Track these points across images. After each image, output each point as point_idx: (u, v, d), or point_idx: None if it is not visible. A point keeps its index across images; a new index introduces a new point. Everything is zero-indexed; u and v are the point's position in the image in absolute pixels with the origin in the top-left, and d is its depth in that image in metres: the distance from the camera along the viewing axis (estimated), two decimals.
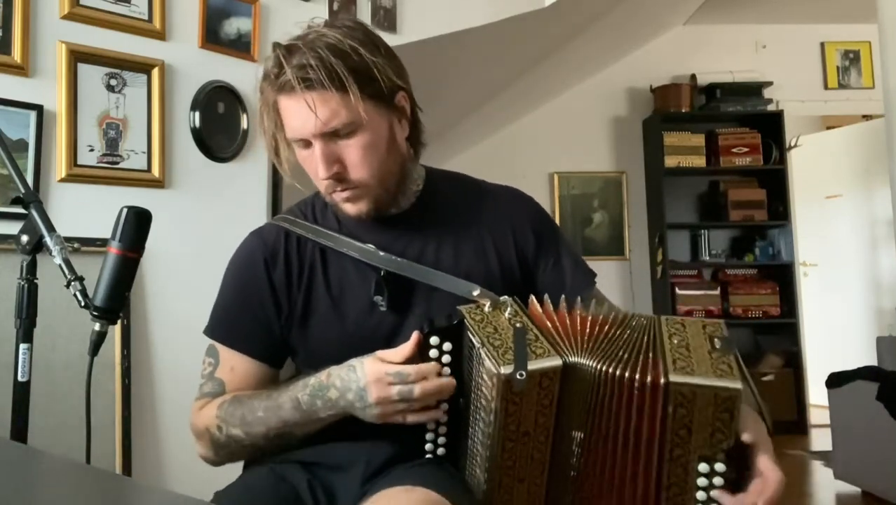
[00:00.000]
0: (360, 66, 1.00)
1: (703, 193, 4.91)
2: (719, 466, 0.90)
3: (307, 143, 1.04)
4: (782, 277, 4.70)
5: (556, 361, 0.91)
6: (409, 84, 1.10)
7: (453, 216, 1.15)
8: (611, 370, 0.91)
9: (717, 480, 0.90)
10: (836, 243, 5.20)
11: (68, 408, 1.80)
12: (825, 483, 3.46)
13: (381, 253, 1.08)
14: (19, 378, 1.10)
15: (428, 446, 1.02)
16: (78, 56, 1.97)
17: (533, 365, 0.90)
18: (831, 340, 5.03)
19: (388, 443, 1.04)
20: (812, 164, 5.19)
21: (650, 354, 0.92)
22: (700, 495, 0.91)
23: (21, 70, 1.88)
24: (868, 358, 3.61)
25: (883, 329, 4.71)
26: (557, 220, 4.84)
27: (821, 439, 4.14)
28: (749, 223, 4.75)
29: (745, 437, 0.90)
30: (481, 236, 1.14)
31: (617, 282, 4.84)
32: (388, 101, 1.05)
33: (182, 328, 2.07)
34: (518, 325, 0.95)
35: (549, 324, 0.97)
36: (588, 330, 0.96)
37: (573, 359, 0.92)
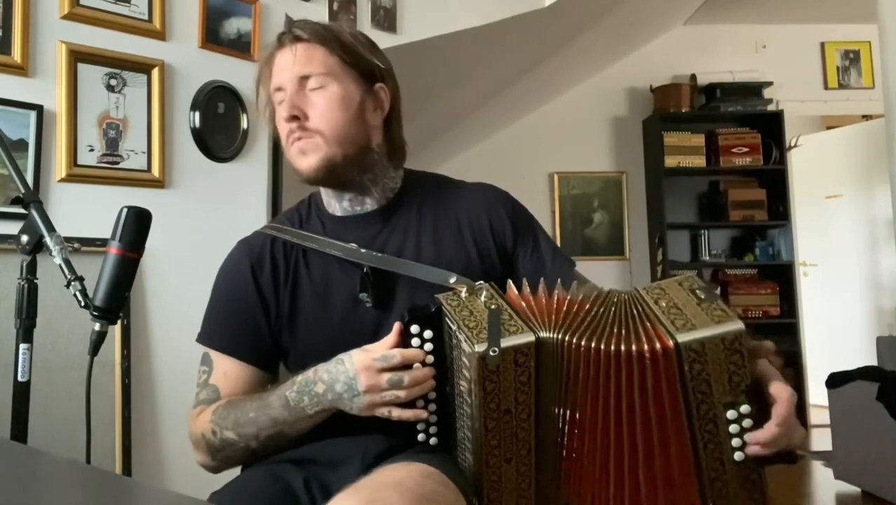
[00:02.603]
0: (347, 41, 1.12)
1: (703, 193, 4.91)
2: (744, 408, 0.90)
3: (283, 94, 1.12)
4: (782, 277, 4.71)
5: (530, 338, 0.92)
6: (395, 89, 1.18)
7: (431, 210, 1.19)
8: (604, 347, 0.91)
9: (747, 422, 0.91)
10: (836, 243, 5.19)
11: (68, 408, 1.79)
12: (825, 483, 3.45)
13: (363, 250, 1.12)
14: (19, 378, 1.10)
15: (420, 437, 1.04)
16: (78, 56, 1.96)
17: (506, 342, 0.92)
18: (831, 340, 5.02)
19: (382, 437, 1.06)
20: (812, 164, 5.19)
21: (647, 324, 0.92)
22: (735, 442, 0.91)
23: (21, 70, 1.88)
24: (868, 358, 3.61)
25: (883, 329, 4.71)
26: (557, 220, 4.85)
27: (821, 439, 4.13)
28: (749, 223, 4.76)
29: (760, 364, 0.92)
30: (459, 226, 1.17)
31: (617, 282, 4.83)
32: (366, 80, 1.13)
33: (182, 328, 2.07)
34: (493, 306, 0.97)
35: (524, 305, 0.98)
36: (566, 308, 0.97)
37: (546, 334, 0.93)
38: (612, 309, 0.96)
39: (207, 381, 1.14)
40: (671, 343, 0.89)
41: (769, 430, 0.89)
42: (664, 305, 0.94)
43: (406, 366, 0.99)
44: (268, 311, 1.13)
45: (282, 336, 1.14)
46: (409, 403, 1.00)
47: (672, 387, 0.90)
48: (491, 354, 0.91)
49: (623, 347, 0.91)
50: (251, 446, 1.06)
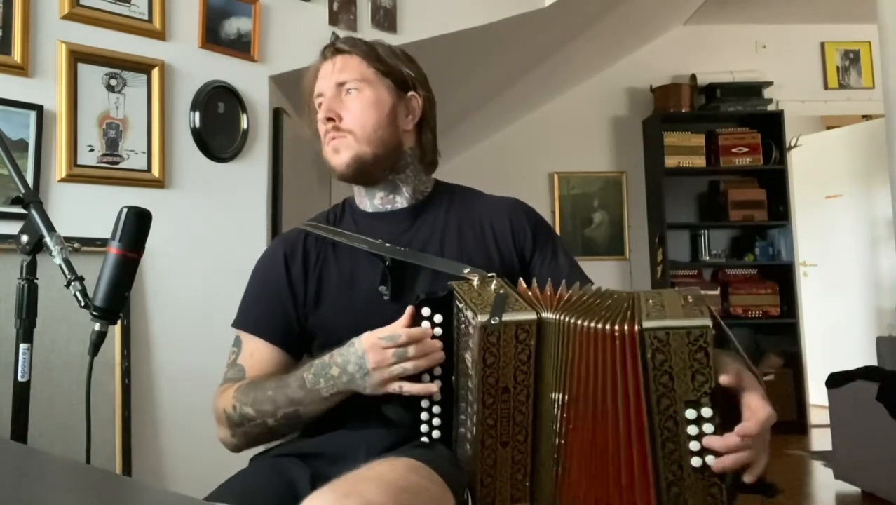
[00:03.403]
0: (384, 54, 1.22)
1: (703, 193, 4.91)
2: (706, 411, 0.89)
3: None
4: (782, 277, 4.70)
5: (532, 315, 0.96)
6: (429, 98, 1.26)
7: (457, 213, 1.25)
8: (585, 323, 0.94)
9: (707, 427, 0.90)
10: (836, 243, 5.20)
11: (68, 408, 1.80)
12: (825, 483, 3.46)
13: (387, 245, 1.17)
14: (19, 378, 1.10)
15: (423, 428, 1.06)
16: (78, 56, 1.97)
17: (509, 316, 0.95)
18: (831, 340, 5.02)
19: (385, 431, 1.08)
20: (812, 164, 5.19)
21: (628, 313, 0.95)
22: (693, 446, 0.90)
23: (21, 70, 1.88)
24: (868, 358, 3.61)
25: (883, 329, 4.71)
26: (557, 220, 4.85)
27: (821, 439, 4.14)
28: (749, 223, 4.75)
29: (723, 378, 0.90)
30: (483, 232, 1.23)
31: (617, 282, 4.83)
32: (399, 88, 1.22)
33: (182, 328, 2.07)
34: (501, 291, 1.01)
35: (531, 294, 1.02)
36: (567, 298, 1.01)
37: (547, 315, 0.96)
38: (608, 302, 0.99)
39: (235, 361, 1.20)
40: (636, 327, 0.91)
41: (727, 437, 0.88)
42: (651, 303, 0.95)
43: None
44: (296, 297, 1.19)
45: (308, 321, 1.19)
46: (418, 380, 1.03)
47: (635, 373, 0.92)
48: (492, 322, 0.94)
49: (592, 324, 0.94)
50: (268, 424, 1.10)
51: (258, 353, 1.19)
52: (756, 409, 0.89)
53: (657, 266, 4.73)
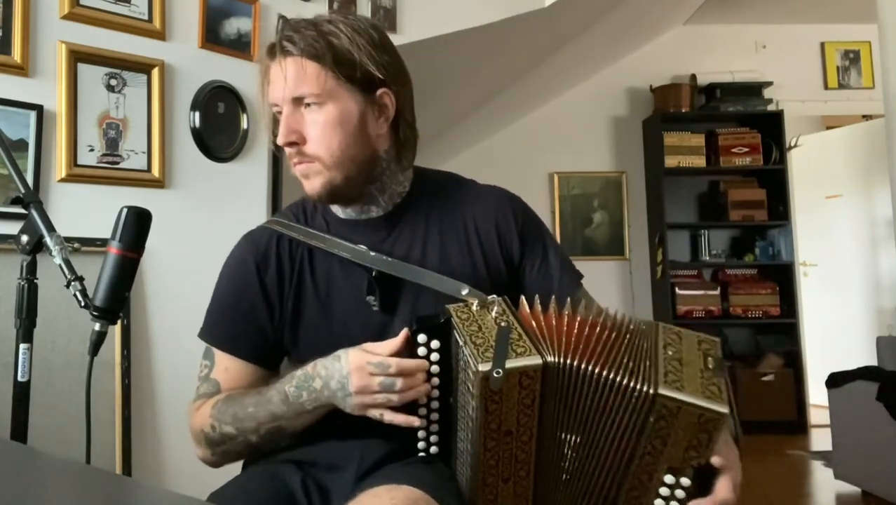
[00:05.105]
0: (342, 47, 1.03)
1: (703, 193, 4.91)
2: (685, 481, 0.90)
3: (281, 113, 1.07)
4: (782, 277, 4.71)
5: (537, 361, 0.89)
6: (403, 89, 1.11)
7: (438, 215, 1.15)
8: (607, 374, 0.90)
9: (679, 493, 0.90)
10: (836, 243, 5.20)
11: (68, 408, 1.80)
12: (825, 483, 3.46)
13: (372, 253, 1.09)
14: (19, 378, 1.10)
15: (420, 445, 1.03)
16: (78, 56, 1.97)
17: (512, 363, 0.89)
18: (831, 340, 5.03)
19: (380, 441, 1.05)
20: (812, 164, 5.19)
21: (647, 362, 0.91)
22: (658, 503, 0.92)
23: (21, 70, 1.88)
24: (868, 358, 3.61)
25: (883, 329, 4.72)
26: (557, 220, 4.85)
27: (821, 439, 4.14)
28: (749, 223, 4.76)
29: (715, 460, 0.89)
30: (467, 236, 1.14)
31: (617, 282, 4.84)
32: (366, 90, 1.06)
33: (182, 328, 2.07)
34: (503, 323, 0.94)
35: (534, 324, 0.96)
36: (577, 331, 0.94)
37: (554, 359, 0.90)
38: (627, 337, 0.95)
39: (209, 375, 1.13)
40: (650, 391, 0.87)
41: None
42: (670, 353, 0.92)
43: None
44: (272, 311, 1.12)
45: (284, 337, 1.13)
46: (410, 409, 0.99)
47: (632, 428, 0.90)
48: (495, 375, 0.88)
49: (612, 375, 0.90)
50: (251, 441, 1.06)
51: (233, 369, 1.12)
52: (717, 491, 0.90)
53: (657, 266, 4.73)
